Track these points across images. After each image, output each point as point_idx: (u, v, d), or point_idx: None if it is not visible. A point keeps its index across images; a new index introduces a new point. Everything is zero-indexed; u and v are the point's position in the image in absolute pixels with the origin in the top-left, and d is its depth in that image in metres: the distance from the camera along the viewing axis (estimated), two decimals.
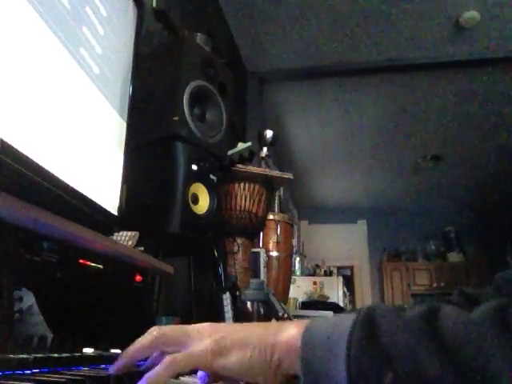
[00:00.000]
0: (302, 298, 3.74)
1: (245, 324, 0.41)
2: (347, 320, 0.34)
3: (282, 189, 2.95)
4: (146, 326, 0.43)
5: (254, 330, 0.40)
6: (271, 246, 2.18)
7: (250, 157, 1.59)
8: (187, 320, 1.34)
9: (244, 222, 1.68)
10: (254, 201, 1.68)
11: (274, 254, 2.18)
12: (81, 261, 0.69)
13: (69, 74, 0.67)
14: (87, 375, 0.41)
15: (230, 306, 1.37)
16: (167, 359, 0.38)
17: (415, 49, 3.05)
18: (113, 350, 0.62)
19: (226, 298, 1.37)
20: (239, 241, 1.69)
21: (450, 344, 0.29)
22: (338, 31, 2.92)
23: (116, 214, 0.84)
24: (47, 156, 0.59)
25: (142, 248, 0.98)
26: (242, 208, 1.66)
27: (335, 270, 4.82)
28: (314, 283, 4.12)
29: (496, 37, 2.90)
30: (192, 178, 1.18)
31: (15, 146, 0.51)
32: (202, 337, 0.40)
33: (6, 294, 0.50)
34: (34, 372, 0.44)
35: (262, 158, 2.32)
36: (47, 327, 0.56)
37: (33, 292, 0.55)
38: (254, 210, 1.68)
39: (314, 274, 4.53)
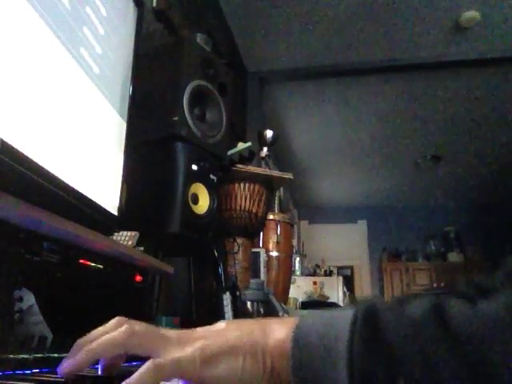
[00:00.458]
0: (302, 297, 3.74)
1: (224, 327, 0.37)
2: (342, 318, 0.32)
3: (281, 189, 2.96)
4: None
5: (237, 334, 0.35)
6: (271, 245, 2.18)
7: (250, 157, 1.59)
8: (187, 320, 1.34)
9: (244, 222, 1.68)
10: (253, 201, 1.68)
11: (274, 254, 2.18)
12: (81, 261, 0.69)
13: (69, 73, 0.67)
14: (87, 375, 0.41)
15: (229, 306, 1.36)
16: (151, 364, 0.32)
17: (415, 49, 3.05)
18: None
19: (226, 298, 1.37)
20: (239, 241, 1.69)
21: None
22: (338, 31, 2.92)
23: (116, 214, 0.84)
24: (47, 156, 0.59)
25: (142, 248, 0.98)
26: (242, 208, 1.66)
27: (335, 270, 4.82)
28: (314, 283, 4.12)
29: (496, 37, 2.90)
30: (192, 178, 1.18)
31: (15, 146, 0.51)
32: (183, 343, 0.35)
33: (5, 294, 0.50)
34: (34, 372, 0.44)
35: (262, 157, 2.32)
36: (47, 327, 0.56)
37: (33, 292, 0.55)
38: (253, 210, 1.68)
39: (314, 274, 4.53)
